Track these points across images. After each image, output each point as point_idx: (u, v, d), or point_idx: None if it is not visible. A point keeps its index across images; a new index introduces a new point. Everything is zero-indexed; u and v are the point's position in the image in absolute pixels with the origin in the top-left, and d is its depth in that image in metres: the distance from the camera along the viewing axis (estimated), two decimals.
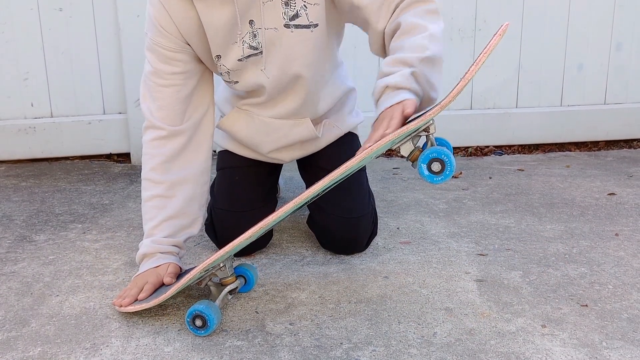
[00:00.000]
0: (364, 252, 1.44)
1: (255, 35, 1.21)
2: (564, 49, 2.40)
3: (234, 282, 1.16)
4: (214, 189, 1.46)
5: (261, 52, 1.22)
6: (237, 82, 1.28)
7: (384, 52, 1.21)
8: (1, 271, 1.36)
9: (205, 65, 1.28)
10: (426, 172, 0.94)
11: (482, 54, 0.91)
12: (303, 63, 1.25)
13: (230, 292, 1.17)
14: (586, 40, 2.41)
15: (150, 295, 1.17)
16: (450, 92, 0.94)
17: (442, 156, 0.94)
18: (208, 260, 1.09)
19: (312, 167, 1.46)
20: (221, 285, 1.15)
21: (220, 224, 1.41)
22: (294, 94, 1.30)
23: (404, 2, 1.15)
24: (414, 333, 1.09)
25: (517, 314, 1.15)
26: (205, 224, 1.49)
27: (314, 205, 1.45)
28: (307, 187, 1.52)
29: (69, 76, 2.25)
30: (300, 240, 1.52)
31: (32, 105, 2.25)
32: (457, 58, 2.36)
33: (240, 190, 1.42)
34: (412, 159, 1.03)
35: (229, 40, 1.20)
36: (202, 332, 1.08)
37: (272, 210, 1.48)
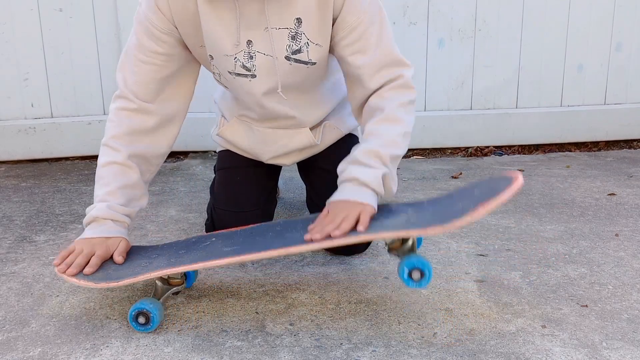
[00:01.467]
0: (364, 252, 1.44)
1: (251, 57, 1.21)
2: (564, 49, 2.41)
3: (181, 284, 1.17)
4: (214, 189, 1.46)
5: (254, 76, 1.23)
6: (227, 87, 1.30)
7: (360, 111, 1.28)
8: (1, 271, 1.36)
9: (194, 56, 1.27)
10: (405, 277, 1.06)
11: (493, 203, 0.96)
12: (296, 94, 1.29)
13: (175, 293, 1.19)
14: (586, 40, 2.41)
15: (96, 271, 1.13)
16: (454, 222, 0.98)
17: (424, 268, 1.05)
18: (173, 269, 1.09)
19: (312, 168, 1.46)
20: (168, 284, 1.15)
21: (221, 224, 1.41)
22: (285, 114, 1.32)
23: (395, 83, 1.23)
24: (414, 333, 1.09)
25: (517, 315, 1.15)
26: (205, 224, 1.49)
27: (313, 207, 1.45)
28: (307, 187, 1.52)
29: (69, 76, 2.25)
30: None
31: (32, 106, 2.25)
32: (457, 58, 2.36)
33: (240, 190, 1.42)
34: (393, 247, 1.13)
35: (223, 50, 1.20)
36: (145, 329, 1.09)
37: (272, 211, 1.48)
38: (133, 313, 1.09)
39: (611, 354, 1.02)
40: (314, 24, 1.19)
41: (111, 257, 1.17)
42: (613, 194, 1.86)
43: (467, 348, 1.04)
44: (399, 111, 1.22)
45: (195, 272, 1.25)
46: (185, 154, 2.35)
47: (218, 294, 1.24)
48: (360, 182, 1.14)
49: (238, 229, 1.24)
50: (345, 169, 1.18)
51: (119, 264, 1.15)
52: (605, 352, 1.02)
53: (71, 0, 2.18)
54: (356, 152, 1.18)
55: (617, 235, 1.54)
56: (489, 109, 2.43)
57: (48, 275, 1.34)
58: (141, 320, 1.08)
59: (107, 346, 1.06)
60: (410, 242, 1.11)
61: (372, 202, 1.12)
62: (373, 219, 1.10)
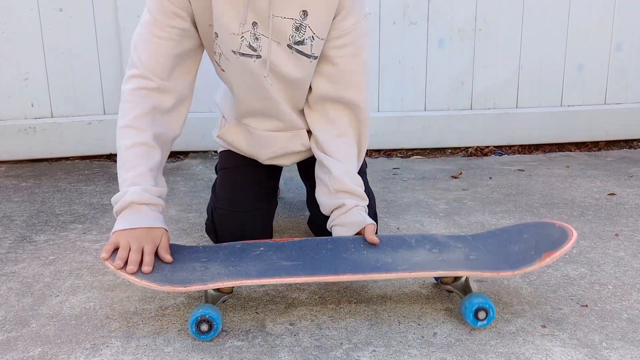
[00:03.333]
0: None
1: (257, 38, 1.22)
2: (564, 49, 2.40)
3: (230, 293, 1.17)
4: (216, 189, 1.46)
5: (259, 56, 1.23)
6: (223, 71, 1.29)
7: (310, 104, 1.34)
8: (1, 271, 1.36)
9: (200, 35, 1.27)
10: (471, 317, 1.10)
11: (557, 255, 1.09)
12: (293, 86, 1.28)
13: (223, 301, 1.18)
14: (586, 40, 2.41)
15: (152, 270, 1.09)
16: (524, 269, 1.10)
17: (490, 308, 1.10)
18: (246, 281, 1.07)
19: (312, 168, 1.47)
20: (219, 291, 1.15)
21: (222, 225, 1.41)
22: (282, 103, 1.32)
23: (356, 120, 1.33)
24: (414, 333, 1.09)
25: (517, 314, 1.15)
26: (205, 224, 1.49)
27: (313, 208, 1.45)
28: (307, 188, 1.52)
29: (69, 76, 2.25)
30: None
31: (32, 106, 2.25)
32: (457, 58, 2.36)
33: (242, 190, 1.42)
34: (445, 281, 1.22)
35: (230, 28, 1.20)
36: (207, 336, 1.07)
37: (272, 211, 1.48)
38: (196, 320, 1.06)
39: (611, 354, 1.02)
40: (320, 17, 1.20)
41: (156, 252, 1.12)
42: (613, 194, 1.86)
43: (467, 348, 1.04)
44: (354, 165, 1.34)
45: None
46: (185, 154, 2.35)
47: None
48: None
49: (280, 240, 1.23)
50: (352, 213, 1.27)
51: (167, 263, 1.12)
52: (605, 352, 1.02)
53: (71, 0, 2.18)
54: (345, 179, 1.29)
55: (617, 235, 1.54)
56: (489, 108, 2.42)
57: (48, 275, 1.34)
58: (204, 327, 1.06)
59: (107, 346, 1.06)
60: (464, 279, 1.18)
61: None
62: (431, 252, 1.18)
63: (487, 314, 1.09)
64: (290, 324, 1.13)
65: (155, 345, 1.06)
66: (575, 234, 1.12)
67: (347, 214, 1.27)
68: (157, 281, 1.06)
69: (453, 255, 1.17)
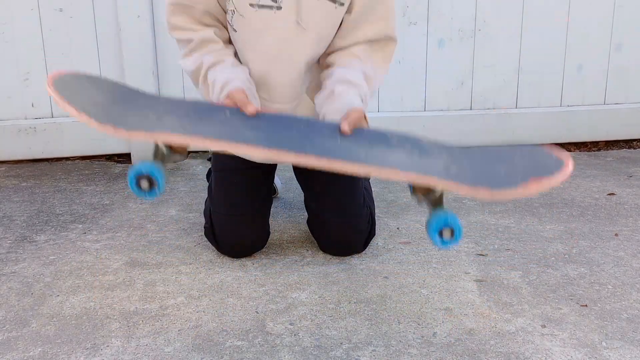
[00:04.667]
0: (364, 252, 1.44)
1: None
2: (564, 49, 2.41)
3: (184, 154, 1.06)
4: (212, 192, 1.45)
5: (279, 8, 1.19)
6: (236, 30, 1.26)
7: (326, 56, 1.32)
8: (2, 271, 1.36)
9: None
10: (436, 236, 1.00)
11: (546, 183, 0.93)
12: (315, 38, 1.24)
13: (172, 162, 1.07)
14: (586, 40, 2.41)
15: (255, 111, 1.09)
16: (505, 191, 0.94)
17: (456, 227, 1.00)
18: (198, 139, 0.96)
19: (309, 172, 1.47)
20: (172, 151, 1.03)
21: (220, 228, 1.40)
22: (299, 62, 1.28)
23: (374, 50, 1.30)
24: (414, 333, 1.09)
25: (517, 314, 1.15)
26: (204, 227, 1.49)
27: (309, 209, 1.45)
28: (303, 188, 1.52)
29: None
30: (300, 240, 1.52)
31: (32, 106, 2.25)
32: (457, 58, 2.36)
33: (238, 193, 1.41)
34: (418, 190, 1.07)
35: None
36: (148, 195, 0.97)
37: (269, 210, 1.48)
38: (135, 176, 0.96)
39: (611, 354, 1.02)
40: None
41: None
42: (613, 194, 1.87)
43: (466, 347, 1.04)
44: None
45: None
46: None
47: (218, 294, 1.24)
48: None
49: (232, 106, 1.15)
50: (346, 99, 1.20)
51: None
52: (605, 352, 1.03)
53: (71, 0, 2.18)
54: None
55: (616, 235, 1.54)
56: (489, 109, 2.43)
57: (48, 275, 1.34)
58: (144, 185, 0.96)
59: (108, 346, 1.06)
60: (438, 193, 1.05)
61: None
62: (409, 154, 1.05)
63: (452, 233, 1.00)
64: (291, 324, 1.13)
65: (156, 344, 1.06)
66: (570, 164, 0.97)
67: (331, 98, 1.21)
68: (98, 118, 0.94)
69: (432, 162, 1.04)
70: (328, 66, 1.31)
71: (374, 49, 1.30)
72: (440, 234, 1.00)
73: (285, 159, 0.97)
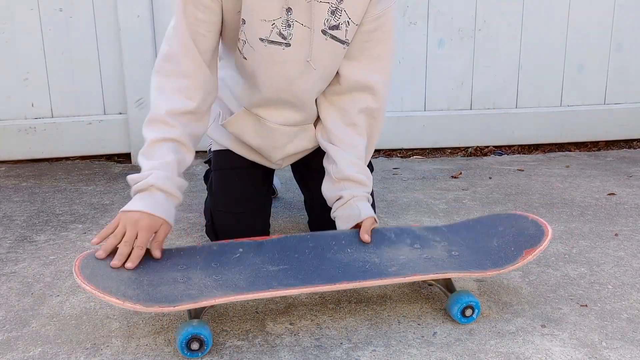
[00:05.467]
0: None
1: (289, 26, 1.19)
2: (564, 49, 2.41)
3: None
4: (212, 189, 1.45)
5: (288, 45, 1.21)
6: (245, 58, 1.26)
7: (322, 93, 1.34)
8: (2, 271, 1.36)
9: (224, 23, 1.25)
10: (459, 315, 1.12)
11: (537, 251, 1.13)
12: (322, 75, 1.27)
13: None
14: (586, 40, 2.41)
15: (136, 266, 1.07)
16: (509, 267, 1.13)
17: (476, 306, 1.12)
18: (238, 297, 1.02)
19: (305, 170, 1.47)
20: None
21: (222, 226, 1.41)
22: (303, 95, 1.30)
23: (369, 109, 1.32)
24: (414, 333, 1.09)
25: (517, 314, 1.15)
26: (205, 225, 1.49)
27: (311, 211, 1.45)
28: (302, 190, 1.51)
29: (69, 76, 2.25)
30: None
31: (32, 106, 2.25)
32: (457, 58, 2.36)
33: (239, 191, 1.42)
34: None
35: (262, 14, 1.18)
36: (197, 354, 1.02)
37: (269, 210, 1.48)
38: (184, 340, 1.00)
39: (611, 354, 1.02)
40: (356, 1, 1.20)
41: (146, 251, 1.10)
42: (613, 194, 1.87)
43: (466, 347, 1.04)
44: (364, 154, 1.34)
45: None
46: None
47: None
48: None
49: (258, 239, 1.20)
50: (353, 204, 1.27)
51: (157, 259, 1.10)
52: (605, 352, 1.03)
53: (71, 0, 2.18)
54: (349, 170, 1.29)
55: (616, 235, 1.54)
56: (488, 108, 2.43)
57: (48, 275, 1.34)
58: (194, 346, 1.01)
59: (108, 346, 1.06)
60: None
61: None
62: (412, 247, 1.20)
63: (473, 311, 1.12)
64: (290, 324, 1.13)
65: (156, 344, 1.06)
66: (550, 230, 1.15)
67: (344, 206, 1.27)
68: (141, 301, 0.98)
69: (436, 252, 1.17)
70: (324, 129, 1.34)
71: (371, 116, 1.33)
72: (463, 313, 1.11)
73: (321, 290, 1.06)
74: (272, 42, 1.21)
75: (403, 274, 1.09)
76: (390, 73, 1.31)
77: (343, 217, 1.26)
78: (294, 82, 1.27)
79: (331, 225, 1.38)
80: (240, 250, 1.16)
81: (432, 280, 1.19)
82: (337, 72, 1.30)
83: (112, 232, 1.10)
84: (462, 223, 1.26)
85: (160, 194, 1.14)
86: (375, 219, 1.25)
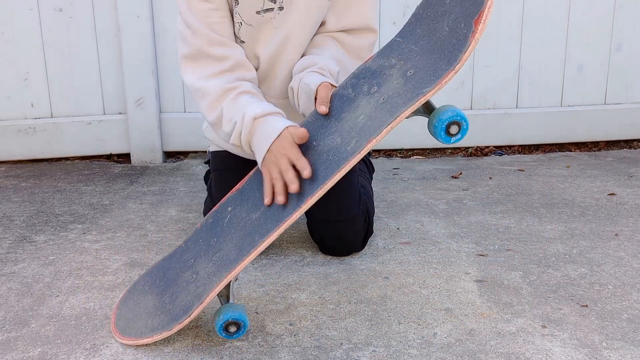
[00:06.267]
0: (364, 252, 1.44)
1: None
2: (564, 49, 2.40)
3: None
4: (212, 190, 1.45)
5: (281, 8, 1.24)
6: (244, 42, 1.30)
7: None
8: (1, 271, 1.36)
9: None
10: (443, 134, 0.97)
11: (484, 20, 0.95)
12: (310, 30, 1.29)
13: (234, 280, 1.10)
14: (586, 40, 2.41)
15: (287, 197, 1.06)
16: (465, 52, 0.96)
17: (462, 120, 0.98)
18: (233, 272, 1.02)
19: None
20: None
21: None
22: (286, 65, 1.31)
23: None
24: (414, 333, 1.09)
25: (517, 315, 1.15)
26: None
27: (310, 214, 1.45)
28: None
29: (69, 76, 2.25)
30: (300, 241, 1.52)
31: (32, 106, 2.25)
32: None
33: None
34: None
35: None
36: (237, 335, 1.04)
37: None
38: (222, 324, 1.02)
39: (611, 354, 1.02)
40: None
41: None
42: (613, 194, 1.86)
43: (467, 348, 1.04)
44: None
45: None
46: (185, 154, 2.35)
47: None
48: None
49: (240, 185, 1.18)
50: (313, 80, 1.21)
51: (170, 267, 1.11)
52: (605, 352, 1.02)
53: (71, 0, 2.18)
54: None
55: (617, 235, 1.54)
56: (489, 108, 2.42)
57: (48, 275, 1.34)
58: (232, 329, 1.03)
59: (107, 346, 1.06)
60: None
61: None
62: (369, 94, 1.08)
63: (459, 127, 0.98)
64: (290, 324, 1.13)
65: (155, 345, 1.06)
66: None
67: (296, 94, 1.24)
68: (165, 328, 1.04)
69: (392, 86, 1.05)
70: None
71: (352, 36, 1.32)
72: (448, 131, 0.97)
73: (298, 213, 1.03)
74: (267, 10, 1.24)
75: (361, 146, 1.01)
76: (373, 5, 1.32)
77: (304, 104, 1.22)
78: (290, 39, 1.28)
79: (329, 225, 1.38)
80: (229, 208, 1.13)
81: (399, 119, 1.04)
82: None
83: (271, 184, 1.09)
84: (414, 16, 1.13)
85: (267, 117, 1.15)
86: (330, 84, 1.17)
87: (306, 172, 1.05)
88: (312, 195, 1.03)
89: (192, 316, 1.02)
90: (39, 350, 1.05)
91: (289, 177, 1.06)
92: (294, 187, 1.05)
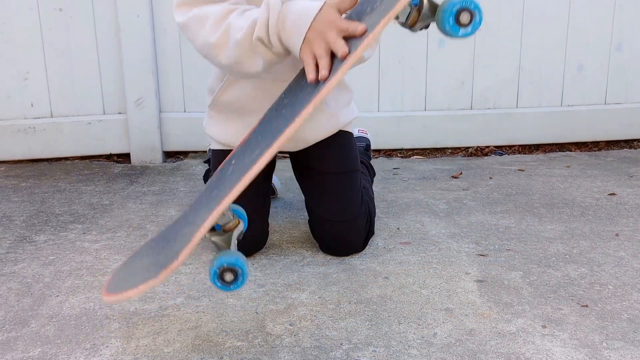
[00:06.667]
0: (364, 252, 1.44)
1: None
2: (564, 49, 2.40)
3: (238, 224, 1.00)
4: None
5: None
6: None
7: None
8: (1, 271, 1.36)
9: None
10: (451, 22, 0.86)
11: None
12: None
13: (239, 240, 1.02)
14: (586, 40, 2.41)
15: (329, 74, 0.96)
16: None
17: (475, 9, 0.86)
18: (218, 209, 0.92)
19: (305, 169, 1.46)
20: (225, 232, 1.00)
21: None
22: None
23: None
24: (414, 334, 1.09)
25: (518, 315, 1.15)
26: None
27: (309, 210, 1.45)
28: (303, 190, 1.51)
29: (69, 76, 2.25)
30: (300, 241, 1.52)
31: (32, 106, 2.25)
32: (457, 58, 2.36)
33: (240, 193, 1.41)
34: (411, 22, 0.95)
35: None
36: (233, 286, 0.93)
37: (268, 210, 1.47)
38: (217, 270, 0.92)
39: (611, 354, 1.02)
40: None
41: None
42: (613, 194, 1.86)
43: (467, 348, 1.04)
44: None
45: (244, 213, 1.09)
46: (185, 154, 2.35)
47: (218, 294, 1.24)
48: None
49: (240, 144, 1.11)
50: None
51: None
52: (606, 352, 1.02)
53: (71, 0, 2.18)
54: None
55: (617, 235, 1.54)
56: (489, 108, 2.42)
57: (48, 275, 1.34)
58: (228, 277, 0.92)
59: (107, 346, 1.06)
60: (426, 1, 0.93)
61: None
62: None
63: (472, 16, 0.85)
64: (290, 324, 1.13)
65: (155, 345, 1.06)
66: None
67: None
68: (151, 278, 0.91)
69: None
70: None
71: None
72: (458, 19, 0.86)
73: (284, 138, 0.94)
74: None
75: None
76: None
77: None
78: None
79: (331, 225, 1.38)
80: (233, 162, 1.06)
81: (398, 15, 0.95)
82: None
83: (314, 62, 1.02)
84: None
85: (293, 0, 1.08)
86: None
87: (361, 28, 0.96)
88: (307, 105, 0.93)
89: (180, 259, 0.89)
90: (39, 350, 1.05)
91: (339, 45, 0.98)
92: (344, 50, 0.96)
